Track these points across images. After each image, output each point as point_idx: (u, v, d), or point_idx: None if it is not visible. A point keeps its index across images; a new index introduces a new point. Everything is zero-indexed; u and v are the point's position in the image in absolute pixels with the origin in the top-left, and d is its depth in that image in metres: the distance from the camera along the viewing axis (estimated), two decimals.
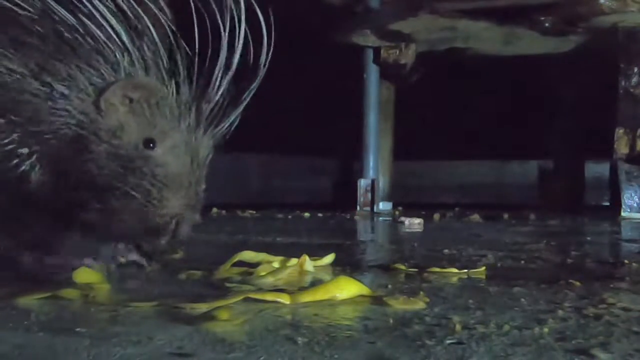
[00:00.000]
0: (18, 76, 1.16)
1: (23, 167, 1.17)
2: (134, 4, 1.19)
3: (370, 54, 3.88)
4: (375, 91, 3.92)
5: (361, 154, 3.93)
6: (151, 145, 1.18)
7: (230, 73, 1.21)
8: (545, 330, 0.81)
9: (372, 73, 3.90)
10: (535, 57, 3.81)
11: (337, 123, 4.23)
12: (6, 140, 1.16)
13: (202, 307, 0.90)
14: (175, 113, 1.20)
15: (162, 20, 1.21)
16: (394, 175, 4.09)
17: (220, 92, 1.22)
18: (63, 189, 1.19)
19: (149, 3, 1.21)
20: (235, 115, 1.25)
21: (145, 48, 1.20)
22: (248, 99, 1.25)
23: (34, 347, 0.73)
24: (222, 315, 0.84)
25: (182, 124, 1.21)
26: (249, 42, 1.21)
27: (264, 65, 1.24)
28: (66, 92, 1.17)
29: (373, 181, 3.86)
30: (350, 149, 4.08)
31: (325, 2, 3.89)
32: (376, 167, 3.92)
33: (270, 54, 1.23)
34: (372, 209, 3.79)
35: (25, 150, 1.17)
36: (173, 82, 1.21)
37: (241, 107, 1.24)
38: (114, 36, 1.17)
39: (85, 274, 1.14)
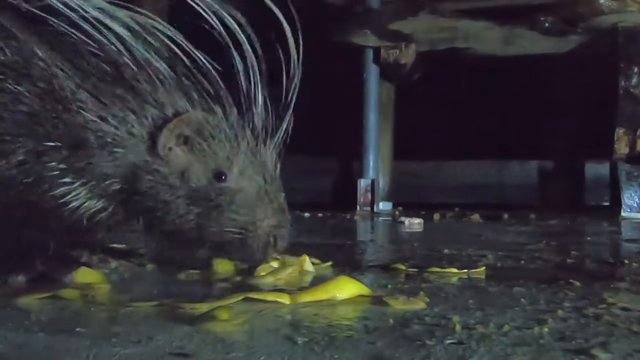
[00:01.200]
0: (78, 107, 1.13)
1: (68, 197, 1.13)
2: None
3: (370, 54, 3.88)
4: (375, 91, 3.92)
5: (361, 154, 3.93)
6: (222, 177, 1.19)
7: (263, 80, 1.22)
8: (545, 330, 0.81)
9: (372, 73, 3.90)
10: (535, 57, 3.81)
11: (337, 123, 4.23)
12: (51, 164, 1.12)
13: (202, 307, 0.90)
14: (231, 137, 1.20)
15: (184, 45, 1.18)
16: (394, 175, 4.09)
17: (262, 103, 1.23)
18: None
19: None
20: (287, 119, 1.26)
21: (183, 79, 1.19)
22: (294, 100, 1.26)
23: (34, 347, 0.73)
24: (222, 315, 0.85)
25: (242, 145, 1.21)
26: (275, 46, 1.22)
27: (298, 66, 1.25)
28: (119, 133, 1.14)
29: (373, 181, 3.86)
30: (350, 149, 4.08)
31: (325, 2, 3.89)
32: (376, 167, 3.92)
33: (299, 53, 1.25)
34: (372, 209, 3.79)
35: (69, 179, 1.13)
36: (219, 108, 1.20)
37: (290, 110, 1.26)
38: (154, 72, 1.16)
39: (86, 274, 1.14)
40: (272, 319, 0.87)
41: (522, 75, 4.13)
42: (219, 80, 1.19)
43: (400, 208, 3.68)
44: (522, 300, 1.01)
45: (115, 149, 1.14)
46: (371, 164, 3.91)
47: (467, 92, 4.42)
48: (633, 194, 3.37)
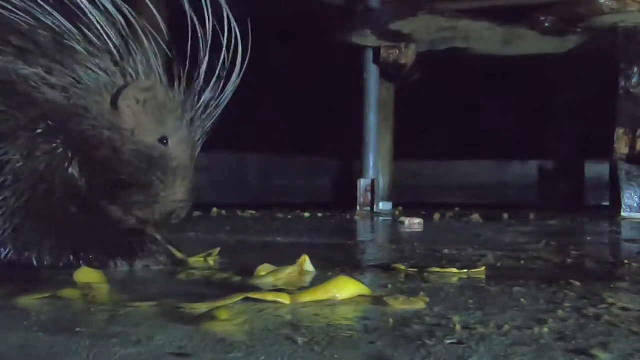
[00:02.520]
0: (35, 72, 1.26)
1: (52, 161, 1.27)
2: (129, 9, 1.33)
3: (370, 54, 3.88)
4: (375, 91, 3.92)
5: (361, 154, 3.93)
6: (165, 141, 1.33)
7: (203, 67, 1.35)
8: (545, 330, 0.81)
9: (372, 73, 3.90)
10: (535, 57, 3.81)
11: (337, 123, 4.23)
12: (31, 134, 1.26)
13: (202, 307, 0.90)
14: (178, 111, 1.35)
15: (157, 25, 1.36)
16: (394, 175, 4.09)
17: (208, 90, 1.37)
18: (94, 185, 1.32)
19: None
20: (217, 112, 1.40)
21: (145, 52, 1.34)
22: (228, 97, 1.39)
23: (34, 347, 0.73)
24: (222, 315, 0.84)
25: (184, 121, 1.36)
26: (223, 45, 1.35)
27: (241, 68, 1.37)
28: (84, 94, 1.28)
29: (373, 181, 3.86)
30: (350, 149, 4.08)
31: (325, 2, 3.89)
32: (376, 167, 3.92)
33: (246, 54, 1.37)
34: (372, 209, 3.79)
35: (50, 146, 1.27)
36: (174, 82, 1.35)
37: (223, 105, 1.39)
38: (118, 41, 1.31)
39: (86, 274, 1.14)
40: (272, 319, 0.87)
41: (522, 75, 4.13)
42: (176, 62, 1.36)
43: (400, 208, 3.68)
44: (522, 300, 1.01)
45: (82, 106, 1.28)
46: (371, 164, 3.91)
47: (467, 92, 4.42)
48: (633, 194, 3.37)
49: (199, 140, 1.40)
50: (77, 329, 0.80)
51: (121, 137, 1.30)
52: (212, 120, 1.40)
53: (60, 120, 1.28)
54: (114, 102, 1.31)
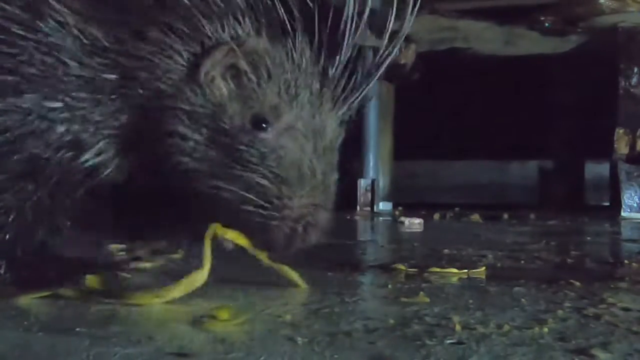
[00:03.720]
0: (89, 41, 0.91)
1: (91, 162, 0.95)
2: None
3: (370, 54, 3.87)
4: (375, 91, 3.91)
5: (361, 154, 3.93)
6: (263, 125, 0.94)
7: (361, 29, 0.98)
8: (545, 330, 0.81)
9: None
10: (535, 57, 3.81)
11: None
12: (64, 128, 0.93)
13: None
14: (293, 83, 0.95)
15: None
16: (394, 175, 4.09)
17: (349, 53, 0.97)
18: (148, 186, 0.98)
19: None
20: (370, 84, 1.01)
21: (254, 2, 0.94)
22: (386, 63, 1.00)
23: (34, 347, 0.73)
24: (222, 315, 0.84)
25: (303, 96, 0.96)
26: None
27: (410, 20, 0.95)
28: (150, 57, 0.92)
29: (373, 181, 3.86)
30: (350, 149, 4.07)
31: (325, 2, 3.88)
32: (376, 167, 3.92)
33: (414, 6, 0.94)
34: (372, 209, 3.78)
35: (92, 140, 0.94)
36: (290, 42, 0.95)
37: (378, 73, 1.01)
38: None
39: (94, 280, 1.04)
40: (272, 319, 0.87)
41: (522, 75, 4.13)
42: (303, 13, 0.95)
43: (400, 208, 3.68)
44: (522, 300, 1.01)
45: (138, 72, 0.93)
46: (371, 164, 3.91)
47: (467, 92, 4.41)
48: (633, 194, 3.37)
49: (338, 124, 1.02)
50: (77, 329, 0.80)
51: (193, 120, 0.92)
52: (362, 95, 1.00)
53: (104, 102, 0.93)
54: (194, 70, 0.93)
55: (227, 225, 0.97)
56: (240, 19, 0.93)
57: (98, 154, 0.96)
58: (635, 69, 3.44)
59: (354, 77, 0.98)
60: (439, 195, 4.49)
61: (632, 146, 3.39)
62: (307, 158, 0.96)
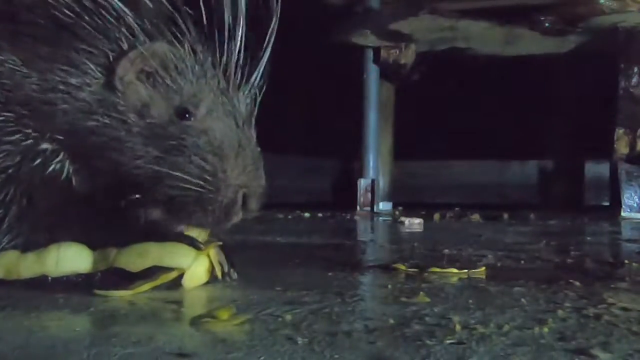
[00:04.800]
0: (11, 66, 1.04)
1: (52, 166, 1.06)
2: None
3: (370, 54, 3.88)
4: (375, 91, 3.92)
5: (361, 154, 3.93)
6: (186, 114, 1.06)
7: (242, 21, 1.08)
8: (545, 330, 0.81)
9: (372, 73, 3.90)
10: (535, 57, 3.81)
11: (337, 123, 4.23)
12: (19, 136, 1.05)
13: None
14: (200, 73, 1.08)
15: None
16: (394, 175, 4.09)
17: (238, 42, 1.09)
18: (105, 187, 1.07)
19: None
20: (263, 62, 1.12)
21: (145, 13, 1.07)
22: (271, 43, 1.12)
23: (34, 347, 0.73)
24: (222, 315, 0.85)
25: (213, 84, 1.08)
26: None
27: (278, 6, 1.12)
28: (70, 79, 1.04)
29: (373, 181, 3.86)
30: (350, 149, 4.08)
31: (325, 2, 3.89)
32: (376, 167, 3.92)
33: None
34: (372, 209, 3.78)
35: (47, 146, 1.05)
36: (186, 42, 1.07)
37: (267, 52, 1.12)
38: (109, 8, 1.05)
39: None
40: (272, 319, 0.87)
41: (522, 75, 4.13)
42: (188, 12, 1.08)
43: (400, 208, 3.68)
44: (522, 300, 1.01)
45: (61, 91, 1.04)
46: (371, 164, 3.91)
47: (467, 92, 4.42)
48: (633, 194, 3.37)
49: (248, 105, 1.13)
50: (77, 329, 0.80)
51: (124, 122, 1.04)
52: (262, 78, 1.12)
53: (45, 115, 1.04)
54: (109, 79, 1.05)
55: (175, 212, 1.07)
56: (138, 28, 1.06)
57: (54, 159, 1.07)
58: (635, 69, 3.44)
59: (249, 62, 1.11)
60: (439, 195, 4.49)
61: (632, 146, 3.39)
62: (232, 134, 1.08)
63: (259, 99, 1.15)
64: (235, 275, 1.13)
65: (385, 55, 3.82)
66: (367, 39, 3.84)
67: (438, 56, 3.85)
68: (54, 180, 1.06)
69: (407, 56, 3.81)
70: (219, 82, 1.09)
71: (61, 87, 1.04)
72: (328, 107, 4.38)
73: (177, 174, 1.04)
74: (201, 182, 1.05)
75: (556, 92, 4.38)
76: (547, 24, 3.58)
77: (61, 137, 1.05)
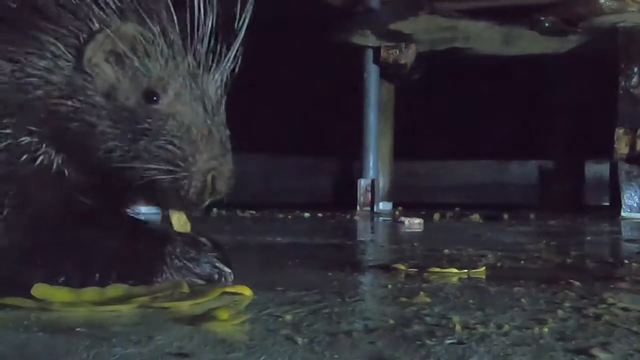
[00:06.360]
0: None
1: (40, 160, 1.03)
2: None
3: (370, 54, 3.88)
4: (375, 91, 3.92)
5: (361, 154, 3.93)
6: (154, 97, 1.05)
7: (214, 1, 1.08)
8: (545, 330, 0.81)
9: (372, 73, 3.90)
10: (535, 57, 3.81)
11: (337, 123, 4.23)
12: None
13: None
14: (168, 55, 1.06)
15: None
16: (394, 175, 4.09)
17: (210, 25, 1.08)
18: (87, 176, 1.06)
19: None
20: (236, 46, 1.11)
21: None
22: (245, 25, 1.11)
23: (34, 347, 0.73)
24: (222, 315, 0.85)
25: (182, 68, 1.07)
26: None
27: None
28: (41, 62, 1.02)
29: (373, 181, 3.86)
30: (350, 149, 4.08)
31: (325, 2, 3.89)
32: (376, 167, 3.92)
33: None
34: (372, 209, 3.79)
35: (27, 139, 1.03)
36: (157, 24, 1.06)
37: (240, 36, 1.11)
38: None
39: (44, 290, 0.97)
40: (272, 319, 0.87)
41: (522, 75, 4.13)
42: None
43: (400, 208, 3.68)
44: (522, 300, 1.01)
45: (34, 76, 1.02)
46: (371, 164, 3.91)
47: (467, 92, 4.42)
48: (633, 194, 3.37)
49: (218, 89, 1.11)
50: (77, 329, 0.80)
51: (92, 106, 1.03)
52: (230, 60, 1.10)
53: (9, 101, 1.01)
54: (79, 61, 1.03)
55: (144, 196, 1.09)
56: (109, 9, 1.04)
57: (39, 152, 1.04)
58: (635, 69, 3.44)
59: (220, 46, 1.09)
60: (439, 195, 4.49)
61: (632, 146, 3.39)
62: (200, 118, 1.07)
63: (229, 83, 1.13)
64: (231, 277, 1.11)
65: (385, 55, 3.82)
66: (367, 39, 3.84)
67: (438, 56, 3.85)
68: (44, 174, 1.04)
69: (407, 56, 3.82)
70: (189, 66, 1.08)
71: (33, 71, 1.02)
72: (328, 107, 4.38)
73: (145, 157, 1.04)
74: (169, 167, 1.05)
75: (556, 92, 4.38)
76: (547, 24, 3.58)
77: (39, 129, 1.03)
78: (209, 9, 1.07)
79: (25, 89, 1.02)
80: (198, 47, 1.08)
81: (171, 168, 1.05)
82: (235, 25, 1.11)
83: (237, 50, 1.11)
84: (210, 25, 1.08)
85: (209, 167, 1.06)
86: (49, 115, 1.03)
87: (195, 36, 1.07)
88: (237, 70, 1.12)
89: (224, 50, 1.10)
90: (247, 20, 1.11)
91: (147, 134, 1.04)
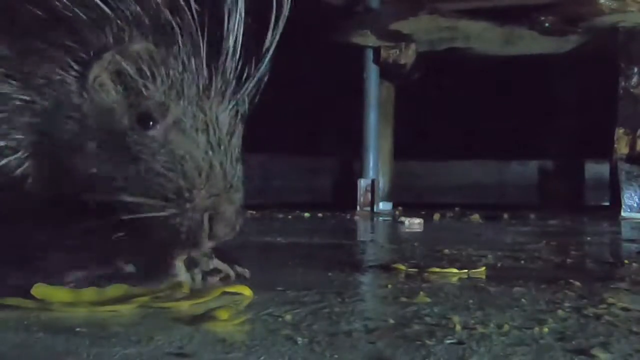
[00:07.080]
0: None
1: (6, 160, 0.95)
2: None
3: (370, 54, 3.88)
4: (375, 91, 3.92)
5: (361, 154, 3.93)
6: (150, 122, 0.95)
7: (243, 20, 0.97)
8: (545, 330, 0.81)
9: (372, 73, 3.90)
10: (535, 57, 3.81)
11: (337, 123, 4.23)
12: None
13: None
14: (179, 81, 0.96)
15: None
16: (394, 175, 4.09)
17: (235, 46, 0.97)
18: (62, 196, 0.97)
19: None
20: (261, 73, 1.00)
21: (131, 5, 0.95)
22: (272, 50, 1.00)
23: (34, 347, 0.73)
24: (222, 315, 0.85)
25: (190, 92, 0.96)
26: None
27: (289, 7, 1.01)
28: (50, 75, 0.95)
29: (373, 181, 3.86)
30: (350, 149, 4.08)
31: (325, 2, 3.89)
32: (376, 167, 3.92)
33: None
34: (372, 209, 3.78)
35: (2, 143, 0.95)
36: (176, 43, 0.96)
37: (266, 61, 1.00)
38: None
39: (44, 290, 0.95)
40: (272, 319, 0.87)
41: (522, 75, 4.13)
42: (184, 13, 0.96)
43: (400, 208, 3.68)
44: (522, 300, 1.01)
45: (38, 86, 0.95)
46: (371, 164, 3.91)
47: (467, 92, 4.42)
48: (633, 194, 3.37)
49: (232, 116, 0.99)
50: (77, 329, 0.80)
51: (83, 124, 0.94)
52: (256, 85, 1.00)
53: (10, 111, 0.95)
54: (84, 83, 0.95)
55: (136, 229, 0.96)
56: (124, 25, 0.95)
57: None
58: (635, 69, 3.44)
59: (241, 71, 0.99)
60: (439, 195, 4.49)
61: (632, 146, 3.39)
62: (200, 150, 0.96)
63: (247, 114, 1.02)
64: (247, 274, 1.11)
65: (385, 55, 3.82)
66: (367, 39, 3.84)
67: (438, 56, 3.85)
68: (4, 176, 0.96)
69: (407, 56, 3.81)
70: (198, 92, 0.97)
71: (39, 82, 0.95)
72: (328, 107, 4.38)
73: (132, 188, 0.94)
74: (158, 201, 0.94)
75: (556, 92, 4.38)
76: (547, 24, 3.58)
77: (21, 136, 0.96)
78: (234, 28, 0.97)
79: (28, 97, 0.96)
80: (213, 70, 0.97)
81: (162, 203, 0.94)
82: (264, 47, 1.01)
83: (259, 76, 1.01)
84: (230, 48, 0.97)
85: (204, 205, 0.94)
86: (36, 127, 0.96)
87: (213, 59, 0.97)
88: (258, 98, 1.02)
89: (245, 74, 0.99)
90: (274, 44, 1.01)
91: (136, 161, 0.94)
